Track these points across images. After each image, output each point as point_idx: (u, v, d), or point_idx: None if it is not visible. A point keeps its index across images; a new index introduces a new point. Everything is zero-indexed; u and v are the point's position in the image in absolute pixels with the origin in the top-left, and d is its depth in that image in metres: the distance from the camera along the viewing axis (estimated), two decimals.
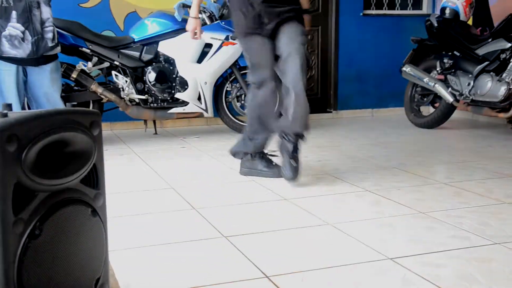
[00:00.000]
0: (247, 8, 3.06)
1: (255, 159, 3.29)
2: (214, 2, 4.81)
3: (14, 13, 3.39)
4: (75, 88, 4.53)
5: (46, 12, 3.52)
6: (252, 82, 3.19)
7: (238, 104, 4.90)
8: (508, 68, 4.46)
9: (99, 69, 4.59)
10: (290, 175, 3.05)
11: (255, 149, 3.28)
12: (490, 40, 4.69)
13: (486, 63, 4.66)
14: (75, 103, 4.43)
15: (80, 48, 4.43)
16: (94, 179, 1.49)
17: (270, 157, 3.36)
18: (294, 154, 3.08)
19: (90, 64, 4.49)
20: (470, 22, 5.43)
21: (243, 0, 3.06)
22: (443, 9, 5.19)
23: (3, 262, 1.28)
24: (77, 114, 1.39)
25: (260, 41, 3.10)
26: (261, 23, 3.06)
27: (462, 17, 5.11)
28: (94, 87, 4.45)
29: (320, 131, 5.15)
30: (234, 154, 3.37)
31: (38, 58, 3.55)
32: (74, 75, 4.42)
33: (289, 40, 3.05)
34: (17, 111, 1.39)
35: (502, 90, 4.43)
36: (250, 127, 3.27)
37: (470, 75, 4.79)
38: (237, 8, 3.11)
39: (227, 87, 4.87)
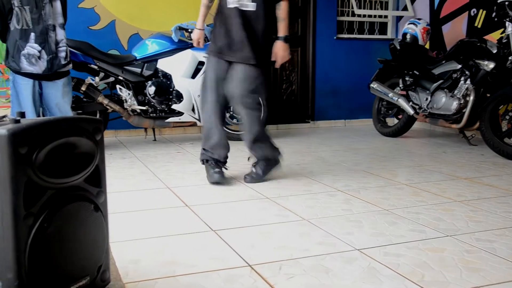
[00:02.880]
0: None
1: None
2: (207, 25, 4.81)
3: (32, 35, 3.38)
4: (84, 99, 4.51)
5: (60, 34, 3.52)
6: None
7: (227, 115, 4.89)
8: (459, 86, 4.51)
9: (105, 83, 4.57)
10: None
11: None
12: (444, 61, 4.73)
13: (441, 81, 4.71)
14: (80, 111, 4.40)
15: (89, 65, 4.41)
16: (97, 179, 1.48)
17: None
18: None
19: (97, 78, 4.46)
20: (427, 46, 5.49)
21: None
22: (404, 35, 5.25)
23: (16, 250, 1.27)
24: (81, 121, 1.39)
25: None
26: None
27: (421, 41, 5.18)
28: (100, 99, 4.43)
29: (299, 138, 5.16)
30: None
31: (52, 74, 3.54)
32: (83, 88, 4.39)
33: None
34: (29, 118, 1.38)
35: (454, 105, 4.48)
36: None
37: (428, 91, 4.84)
38: None
39: None
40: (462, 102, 4.43)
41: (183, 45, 4.62)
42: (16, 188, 1.24)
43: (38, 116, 3.72)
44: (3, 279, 1.28)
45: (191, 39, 4.69)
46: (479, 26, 5.21)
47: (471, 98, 4.37)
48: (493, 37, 4.84)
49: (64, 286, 1.39)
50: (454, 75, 4.58)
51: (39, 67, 3.45)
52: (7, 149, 1.21)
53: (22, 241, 1.27)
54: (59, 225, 1.35)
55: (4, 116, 1.35)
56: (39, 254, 1.31)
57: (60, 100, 3.62)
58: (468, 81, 4.42)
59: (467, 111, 4.40)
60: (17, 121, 1.27)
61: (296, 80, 6.19)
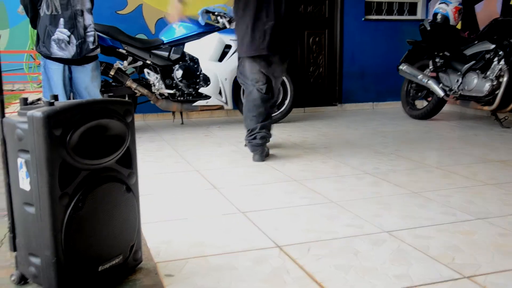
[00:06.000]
0: None
1: None
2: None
3: (61, 20, 3.44)
4: (113, 84, 4.57)
5: (88, 19, 3.56)
6: None
7: None
8: (492, 66, 4.39)
9: (134, 67, 4.62)
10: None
11: None
12: (476, 42, 4.62)
13: (473, 62, 4.60)
14: (111, 94, 4.46)
15: (117, 49, 4.46)
16: (128, 160, 1.51)
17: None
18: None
19: (125, 63, 4.52)
20: (459, 26, 5.35)
21: None
22: (435, 15, 5.12)
23: (53, 229, 1.31)
24: (112, 103, 1.41)
25: None
26: None
27: (452, 22, 5.04)
28: (129, 83, 4.49)
29: (326, 121, 5.13)
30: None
31: (81, 58, 3.59)
32: (112, 72, 4.45)
33: None
34: (62, 101, 1.41)
35: (487, 86, 4.37)
36: None
37: (459, 73, 4.73)
38: None
39: None
40: (495, 83, 4.32)
41: (210, 28, 4.62)
42: (52, 169, 1.28)
43: (69, 99, 3.80)
44: (42, 256, 1.33)
45: (217, 22, 4.72)
46: None
47: (505, 79, 4.26)
48: None
49: (99, 264, 1.43)
50: (487, 56, 4.47)
51: (69, 52, 3.51)
52: (42, 131, 1.24)
53: (58, 221, 1.31)
54: (93, 205, 1.39)
55: (38, 99, 1.39)
56: (75, 232, 1.35)
57: (89, 84, 3.68)
58: (502, 62, 4.31)
59: (500, 92, 4.29)
60: (51, 104, 1.30)
61: (323, 62, 6.13)
